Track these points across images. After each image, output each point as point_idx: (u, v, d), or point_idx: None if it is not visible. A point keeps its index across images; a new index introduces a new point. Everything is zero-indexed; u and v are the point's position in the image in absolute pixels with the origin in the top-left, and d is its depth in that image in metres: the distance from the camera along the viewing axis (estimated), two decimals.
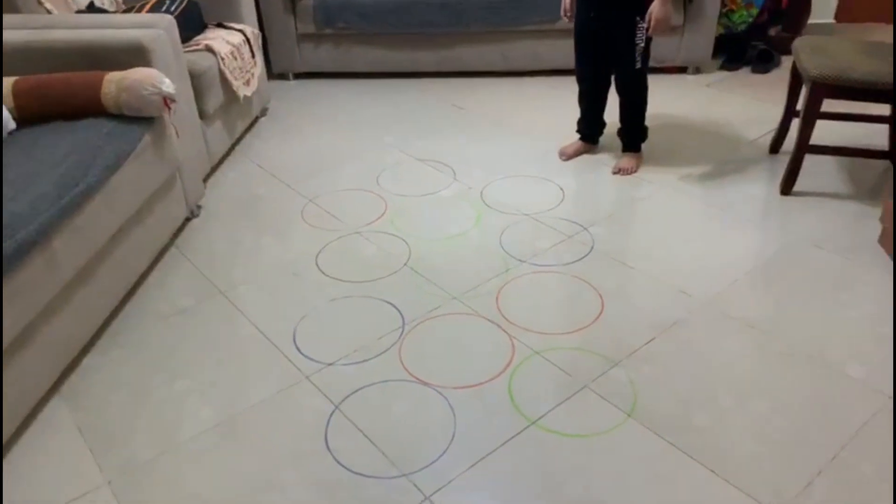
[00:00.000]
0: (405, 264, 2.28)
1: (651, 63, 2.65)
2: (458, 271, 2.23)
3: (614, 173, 2.79)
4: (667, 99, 3.41)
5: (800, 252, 2.27)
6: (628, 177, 2.77)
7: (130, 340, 1.99)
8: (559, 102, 3.40)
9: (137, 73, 2.05)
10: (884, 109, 2.72)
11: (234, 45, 2.94)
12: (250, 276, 2.25)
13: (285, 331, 2.00)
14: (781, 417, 1.66)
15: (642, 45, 2.56)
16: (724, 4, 3.68)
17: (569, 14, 2.71)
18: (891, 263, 2.18)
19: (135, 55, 2.16)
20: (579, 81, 2.82)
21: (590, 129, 2.93)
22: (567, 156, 2.92)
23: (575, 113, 2.92)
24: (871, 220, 2.40)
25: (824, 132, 2.82)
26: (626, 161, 2.81)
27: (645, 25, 2.49)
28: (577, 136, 2.96)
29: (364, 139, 3.19)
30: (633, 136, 2.82)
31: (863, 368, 1.79)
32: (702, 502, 1.47)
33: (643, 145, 2.85)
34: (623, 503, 1.47)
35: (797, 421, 1.65)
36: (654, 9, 2.46)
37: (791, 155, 2.56)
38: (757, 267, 2.21)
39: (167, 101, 2.10)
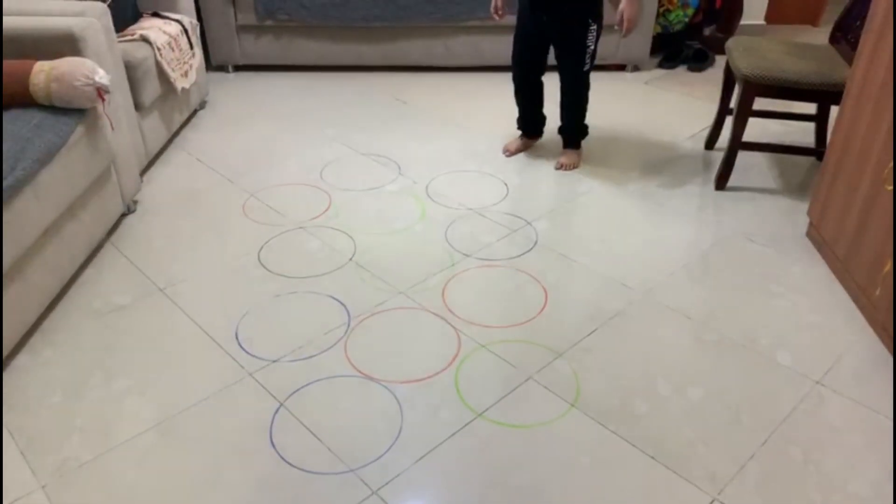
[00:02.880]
0: (350, 259, 2.27)
1: None
2: (403, 266, 2.23)
3: (556, 169, 2.83)
4: (606, 96, 3.48)
5: (733, 245, 2.36)
6: (570, 172, 2.82)
7: (64, 340, 1.92)
8: (502, 98, 3.42)
9: (69, 63, 1.97)
10: (811, 108, 2.85)
11: (171, 36, 2.86)
12: (190, 273, 2.20)
13: (227, 328, 1.96)
14: (716, 404, 1.72)
15: (593, 47, 2.60)
16: (661, 4, 3.78)
17: (500, 13, 2.73)
18: (817, 255, 2.29)
19: (65, 44, 2.08)
20: (514, 79, 2.85)
21: (530, 125, 2.96)
22: (510, 152, 2.95)
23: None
24: (799, 215, 2.51)
25: (756, 130, 2.94)
26: (568, 157, 2.85)
27: (615, 26, 2.49)
28: (519, 132, 3.00)
29: (306, 133, 3.15)
30: (575, 134, 2.86)
31: (791, 355, 1.88)
32: (643, 488, 1.52)
33: (583, 141, 2.90)
34: (568, 491, 1.50)
35: (730, 407, 1.72)
36: (625, 8, 2.48)
37: (725, 151, 2.65)
38: (693, 259, 2.28)
39: (101, 92, 2.03)
